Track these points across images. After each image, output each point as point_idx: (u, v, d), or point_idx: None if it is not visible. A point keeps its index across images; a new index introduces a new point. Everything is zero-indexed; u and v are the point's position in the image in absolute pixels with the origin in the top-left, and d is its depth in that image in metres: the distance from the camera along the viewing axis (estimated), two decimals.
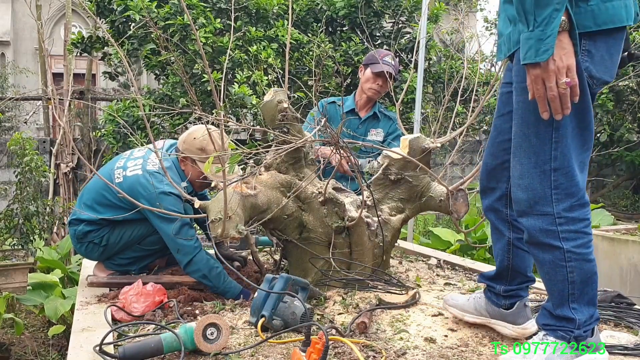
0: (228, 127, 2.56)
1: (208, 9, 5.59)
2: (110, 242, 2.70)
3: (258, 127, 3.46)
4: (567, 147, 1.56)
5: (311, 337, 1.73)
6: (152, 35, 5.45)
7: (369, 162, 3.46)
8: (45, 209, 5.44)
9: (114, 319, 2.22)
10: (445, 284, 2.76)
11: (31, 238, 5.12)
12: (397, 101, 3.09)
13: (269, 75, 5.45)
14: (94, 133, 8.09)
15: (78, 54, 6.96)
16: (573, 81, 1.45)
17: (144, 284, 2.38)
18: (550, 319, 1.69)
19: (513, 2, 1.47)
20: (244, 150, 2.35)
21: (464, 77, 3.04)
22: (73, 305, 3.53)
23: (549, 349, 1.65)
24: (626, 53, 1.61)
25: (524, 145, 1.61)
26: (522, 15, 1.45)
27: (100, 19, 6.15)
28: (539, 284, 2.28)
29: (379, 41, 6.39)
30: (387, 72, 3.49)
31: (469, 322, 2.08)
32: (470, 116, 2.66)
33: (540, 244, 1.62)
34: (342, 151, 2.31)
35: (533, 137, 1.58)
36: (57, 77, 10.61)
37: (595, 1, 1.48)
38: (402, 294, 2.38)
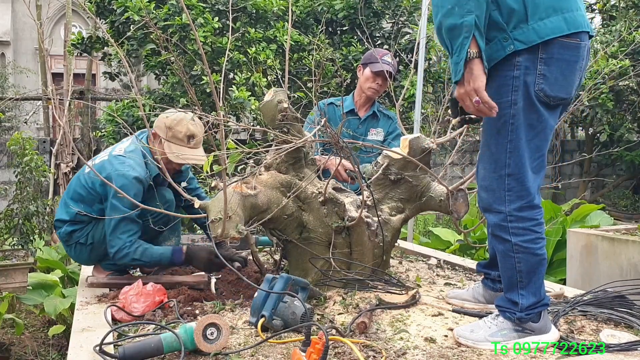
0: (228, 127, 2.56)
1: (207, 10, 5.59)
2: (96, 240, 2.70)
3: (258, 127, 3.46)
4: (520, 156, 1.83)
5: (311, 337, 1.73)
6: (152, 36, 5.45)
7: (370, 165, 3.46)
8: (45, 209, 5.44)
9: (113, 319, 2.22)
10: (445, 284, 2.76)
11: (31, 238, 5.12)
12: (397, 101, 3.09)
13: (268, 77, 5.44)
14: (94, 133, 8.09)
15: (78, 55, 6.97)
16: (481, 99, 1.73)
17: (144, 284, 2.38)
18: (502, 301, 1.97)
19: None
20: (244, 150, 2.35)
21: None
22: (73, 305, 3.53)
23: (495, 326, 1.93)
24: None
25: (487, 153, 1.90)
26: (446, 47, 1.77)
27: (100, 20, 6.15)
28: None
29: (379, 42, 6.39)
30: (386, 71, 3.48)
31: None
32: None
33: (497, 236, 1.90)
34: (342, 153, 2.30)
35: (493, 146, 1.87)
36: (57, 77, 10.63)
37: (534, 21, 1.74)
38: (402, 294, 2.38)
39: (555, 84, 1.78)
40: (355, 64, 5.85)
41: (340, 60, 5.91)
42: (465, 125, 2.22)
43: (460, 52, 1.70)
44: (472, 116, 1.88)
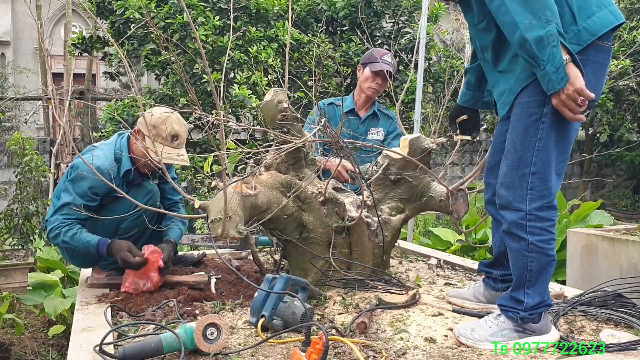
0: (228, 127, 2.55)
1: (208, 9, 5.59)
2: None
3: (258, 127, 3.46)
4: (548, 156, 1.83)
5: (311, 337, 1.73)
6: (152, 35, 5.45)
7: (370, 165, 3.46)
8: (45, 208, 5.43)
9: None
10: (445, 284, 2.76)
11: (31, 238, 5.12)
12: (397, 101, 3.09)
13: (269, 76, 5.44)
14: (94, 133, 8.09)
15: (78, 54, 6.97)
16: (587, 98, 1.73)
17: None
18: (505, 300, 1.97)
19: (520, 56, 1.78)
20: (244, 150, 2.35)
21: (464, 76, 3.04)
22: (73, 305, 3.53)
23: (496, 326, 1.93)
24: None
25: (512, 150, 1.89)
26: (532, 62, 1.74)
27: (100, 20, 6.16)
28: None
29: (379, 41, 6.40)
30: (386, 71, 3.48)
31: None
32: None
33: (512, 234, 1.90)
34: (342, 153, 2.30)
35: (519, 144, 1.86)
36: (57, 77, 10.62)
37: (582, 20, 1.77)
38: (402, 294, 2.37)
39: (588, 85, 1.75)
40: (356, 59, 5.85)
41: (340, 56, 5.91)
42: (466, 139, 2.32)
43: (553, 60, 1.70)
44: (472, 135, 2.13)
